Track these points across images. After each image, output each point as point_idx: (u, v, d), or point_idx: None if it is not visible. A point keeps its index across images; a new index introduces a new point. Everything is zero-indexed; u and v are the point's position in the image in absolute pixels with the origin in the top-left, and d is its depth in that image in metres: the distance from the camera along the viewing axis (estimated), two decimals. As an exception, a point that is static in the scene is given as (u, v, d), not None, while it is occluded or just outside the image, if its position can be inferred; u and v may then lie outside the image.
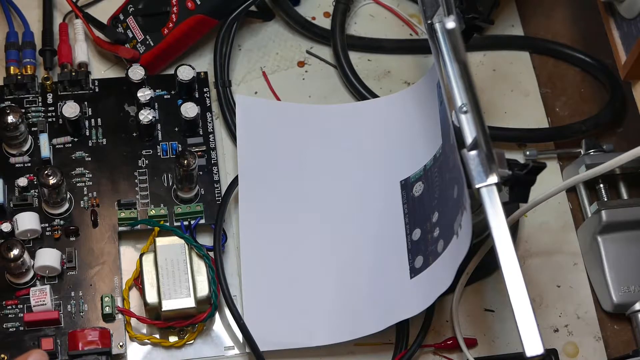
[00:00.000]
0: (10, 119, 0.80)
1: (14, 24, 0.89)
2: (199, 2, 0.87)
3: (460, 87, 0.73)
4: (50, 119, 0.85)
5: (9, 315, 0.77)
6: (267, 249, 0.82)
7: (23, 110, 0.84)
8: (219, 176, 0.84)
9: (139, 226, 0.81)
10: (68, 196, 0.81)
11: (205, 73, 0.89)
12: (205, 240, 0.82)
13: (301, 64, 0.93)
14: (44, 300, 0.76)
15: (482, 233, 0.79)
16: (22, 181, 0.81)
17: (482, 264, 0.81)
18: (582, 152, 0.88)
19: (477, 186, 0.69)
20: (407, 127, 0.86)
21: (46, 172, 0.78)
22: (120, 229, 0.81)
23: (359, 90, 0.90)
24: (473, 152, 0.69)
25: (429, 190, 0.80)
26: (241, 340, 0.79)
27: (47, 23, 0.90)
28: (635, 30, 0.78)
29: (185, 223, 0.81)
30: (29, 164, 0.83)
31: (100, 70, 0.90)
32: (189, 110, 0.84)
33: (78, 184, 0.83)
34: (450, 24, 0.63)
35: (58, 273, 0.79)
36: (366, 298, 0.80)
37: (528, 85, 0.93)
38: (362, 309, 0.79)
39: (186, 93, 0.87)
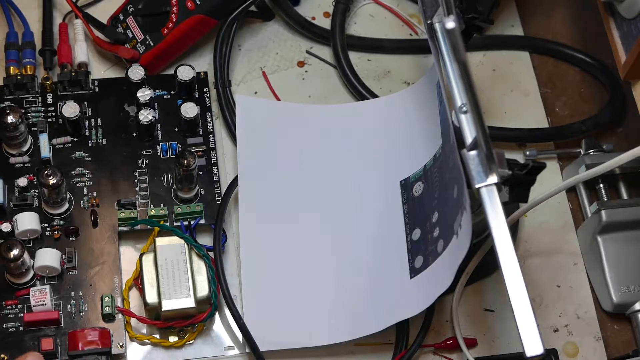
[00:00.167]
0: (10, 119, 0.80)
1: (14, 24, 0.89)
2: (198, 2, 0.87)
3: (460, 87, 0.73)
4: (50, 119, 0.85)
5: (9, 315, 0.77)
6: (267, 249, 0.82)
7: (23, 110, 0.84)
8: (218, 176, 0.84)
9: (139, 226, 0.81)
10: (68, 196, 0.81)
11: (205, 73, 0.89)
12: (205, 240, 0.82)
13: (301, 64, 0.93)
14: (43, 301, 0.76)
15: (482, 233, 0.79)
16: (22, 181, 0.81)
17: (482, 264, 0.81)
18: (582, 152, 0.88)
19: (477, 186, 0.69)
20: (407, 127, 0.86)
21: (46, 172, 0.78)
22: (120, 229, 0.81)
23: (359, 90, 0.90)
24: (473, 152, 0.69)
25: (429, 190, 0.80)
26: (241, 340, 0.79)
27: (47, 23, 0.90)
28: (635, 30, 0.78)
29: (185, 223, 0.81)
30: (29, 164, 0.83)
31: (100, 70, 0.90)
32: (189, 110, 0.84)
33: (78, 184, 0.83)
34: (450, 24, 0.63)
35: (58, 273, 0.79)
36: (366, 298, 0.80)
37: (528, 85, 0.93)
38: (362, 309, 0.79)
39: (186, 93, 0.87)
